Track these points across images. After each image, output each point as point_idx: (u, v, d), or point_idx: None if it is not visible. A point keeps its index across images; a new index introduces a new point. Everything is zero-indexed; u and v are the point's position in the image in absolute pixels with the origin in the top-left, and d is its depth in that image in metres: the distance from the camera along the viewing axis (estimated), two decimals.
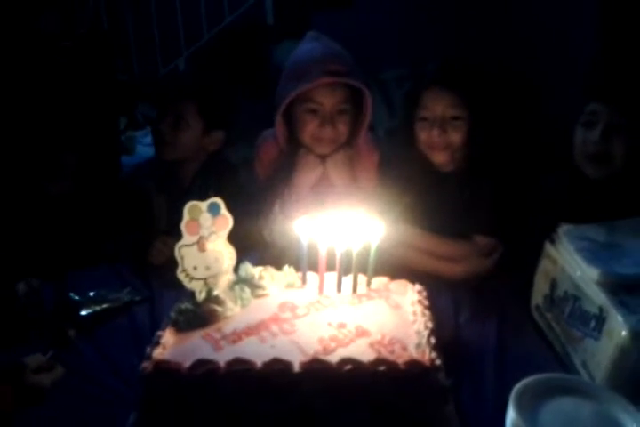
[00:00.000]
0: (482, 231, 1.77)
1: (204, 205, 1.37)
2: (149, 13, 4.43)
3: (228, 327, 1.26)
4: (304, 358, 1.12)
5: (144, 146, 3.65)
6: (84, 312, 1.62)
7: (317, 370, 1.10)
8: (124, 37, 4.38)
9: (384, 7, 3.66)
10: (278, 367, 1.11)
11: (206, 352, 1.17)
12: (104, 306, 1.66)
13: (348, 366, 1.10)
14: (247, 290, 1.37)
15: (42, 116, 1.85)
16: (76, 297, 1.68)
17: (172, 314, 1.31)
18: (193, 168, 2.01)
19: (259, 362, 1.11)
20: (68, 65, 1.91)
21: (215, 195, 1.92)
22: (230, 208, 1.38)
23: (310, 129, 1.79)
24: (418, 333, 1.21)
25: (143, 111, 3.86)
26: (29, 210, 1.93)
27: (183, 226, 1.35)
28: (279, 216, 1.84)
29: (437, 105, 1.73)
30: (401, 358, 1.12)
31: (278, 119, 1.82)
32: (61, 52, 1.88)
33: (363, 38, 3.52)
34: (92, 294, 1.70)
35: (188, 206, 1.35)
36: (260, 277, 1.41)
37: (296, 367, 1.11)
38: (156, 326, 1.52)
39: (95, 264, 1.93)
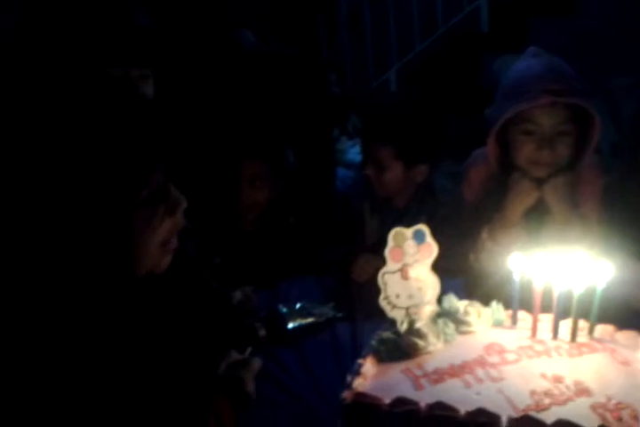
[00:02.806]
0: None
1: (408, 232, 1.35)
2: (364, 27, 4.52)
3: (429, 364, 1.21)
4: (514, 413, 1.03)
5: (351, 158, 3.72)
6: (290, 325, 1.67)
7: None
8: (340, 50, 4.52)
9: (607, 11, 3.38)
10: (484, 420, 1.03)
11: (406, 390, 1.13)
12: (309, 320, 1.70)
13: None
14: (451, 325, 1.31)
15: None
16: (284, 309, 1.73)
17: (374, 342, 1.29)
18: (406, 195, 2.01)
19: (462, 410, 1.05)
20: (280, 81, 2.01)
21: (428, 220, 1.92)
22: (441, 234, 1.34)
23: (526, 152, 1.67)
24: None
25: (354, 123, 3.96)
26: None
27: (387, 252, 1.34)
28: (487, 242, 1.74)
29: None
30: None
31: (491, 140, 1.72)
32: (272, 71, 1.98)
33: (586, 45, 3.28)
34: (298, 305, 1.75)
35: (393, 233, 1.34)
36: (466, 313, 1.33)
37: (504, 422, 1.02)
38: (356, 346, 1.56)
39: (304, 275, 2.00)
